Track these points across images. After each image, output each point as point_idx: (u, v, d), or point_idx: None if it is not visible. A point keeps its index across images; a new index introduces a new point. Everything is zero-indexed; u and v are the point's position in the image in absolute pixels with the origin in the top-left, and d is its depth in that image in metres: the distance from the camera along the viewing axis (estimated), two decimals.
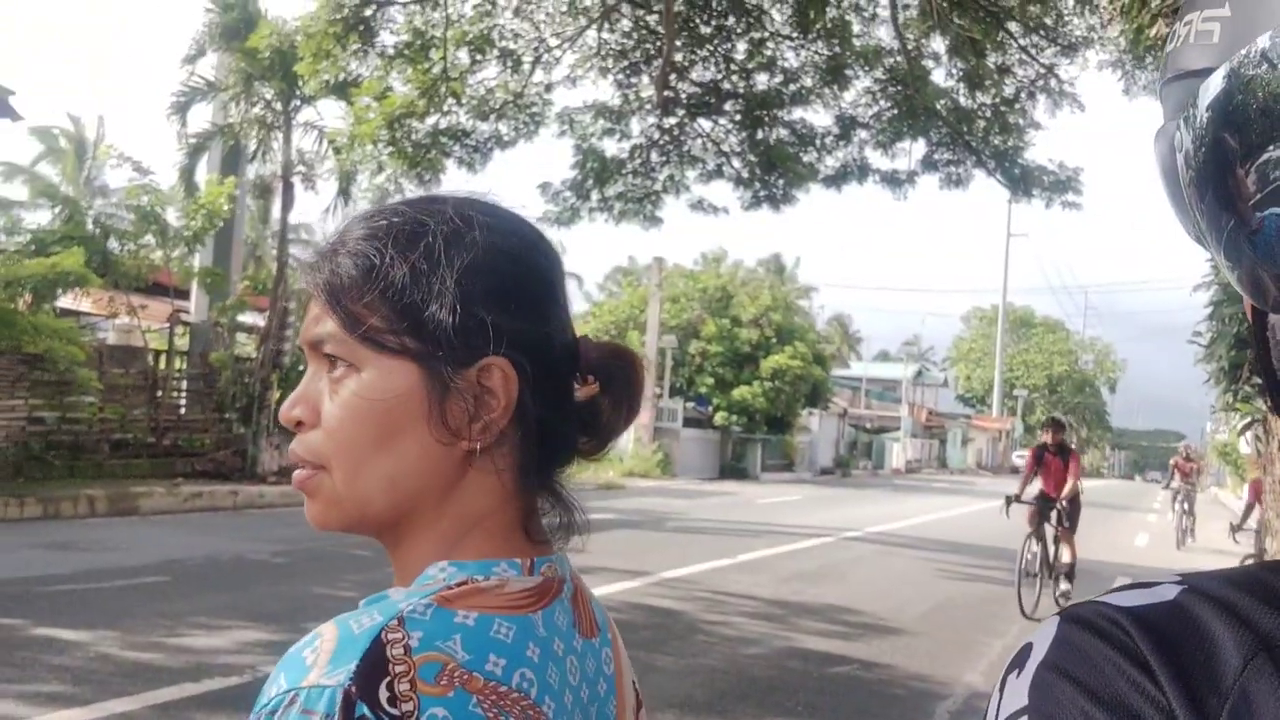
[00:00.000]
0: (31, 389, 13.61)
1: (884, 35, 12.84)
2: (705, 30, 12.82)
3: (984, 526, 19.51)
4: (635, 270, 40.59)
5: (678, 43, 12.44)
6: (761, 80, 13.24)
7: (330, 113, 32.30)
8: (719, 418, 31.31)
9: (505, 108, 12.87)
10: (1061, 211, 13.92)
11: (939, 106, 12.88)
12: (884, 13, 12.40)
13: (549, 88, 13.11)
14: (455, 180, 13.29)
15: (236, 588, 8.17)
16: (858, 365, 63.66)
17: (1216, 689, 0.46)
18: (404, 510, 0.77)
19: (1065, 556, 10.05)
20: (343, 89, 12.98)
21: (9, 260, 14.40)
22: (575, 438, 0.82)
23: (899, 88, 12.82)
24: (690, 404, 31.23)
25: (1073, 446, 10.49)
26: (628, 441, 27.91)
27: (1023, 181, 13.30)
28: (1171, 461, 19.97)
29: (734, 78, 13.24)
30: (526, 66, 12.73)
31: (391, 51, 12.25)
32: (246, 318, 18.03)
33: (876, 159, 13.84)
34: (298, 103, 16.52)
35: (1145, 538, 19.55)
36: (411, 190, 12.88)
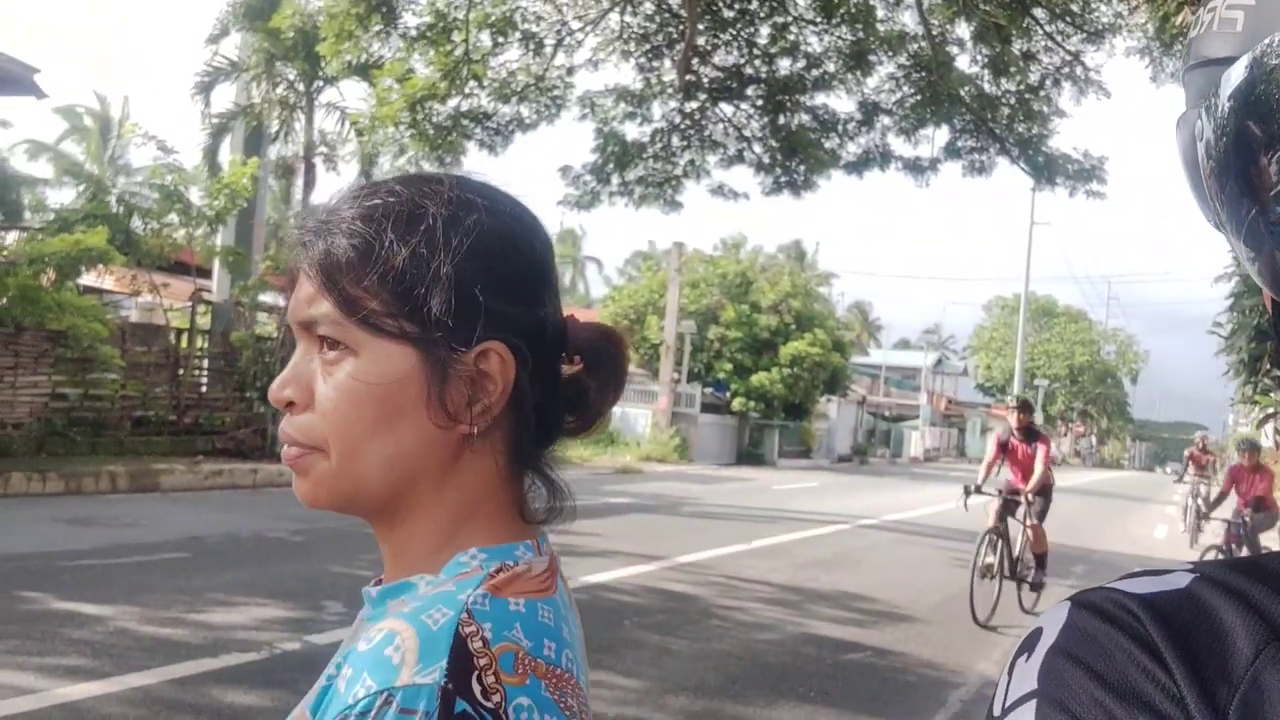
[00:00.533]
0: (55, 365, 13.73)
1: (908, 20, 12.75)
2: (728, 14, 12.74)
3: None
4: (655, 255, 40.58)
5: (700, 26, 12.38)
6: (784, 65, 13.16)
7: (352, 94, 32.31)
8: (737, 403, 31.27)
9: (527, 90, 12.85)
10: (1085, 201, 13.81)
11: (963, 93, 12.78)
12: None
13: (570, 71, 13.09)
14: (476, 163, 13.30)
15: (255, 565, 8.24)
16: (877, 353, 63.47)
17: (1228, 678, 0.46)
18: (399, 492, 0.77)
19: (1037, 547, 9.31)
20: (365, 70, 13.01)
21: (33, 238, 14.51)
22: (563, 418, 0.82)
23: (923, 74, 12.72)
24: (708, 389, 31.21)
25: (1041, 430, 9.49)
26: (645, 426, 27.93)
27: (1046, 170, 13.20)
28: (1187, 453, 18.71)
29: (756, 62, 13.17)
30: (548, 49, 12.71)
31: (414, 33, 12.25)
32: (268, 298, 18.12)
33: (899, 145, 13.75)
34: (320, 83, 16.57)
35: (1164, 530, 19.43)
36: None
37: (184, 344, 17.20)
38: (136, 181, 25.42)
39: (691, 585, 9.12)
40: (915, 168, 13.70)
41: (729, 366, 31.40)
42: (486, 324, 0.75)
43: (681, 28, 12.46)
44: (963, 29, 12.46)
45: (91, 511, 10.32)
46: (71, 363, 13.89)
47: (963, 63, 12.83)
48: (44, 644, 5.49)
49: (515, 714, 0.67)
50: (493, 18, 12.14)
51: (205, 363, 17.27)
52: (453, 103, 12.63)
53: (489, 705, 0.66)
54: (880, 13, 12.57)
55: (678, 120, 13.74)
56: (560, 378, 0.81)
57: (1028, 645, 0.52)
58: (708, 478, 23.21)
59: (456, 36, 12.04)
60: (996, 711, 0.50)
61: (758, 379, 31.05)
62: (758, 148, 13.91)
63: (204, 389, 17.02)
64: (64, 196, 20.90)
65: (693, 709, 5.53)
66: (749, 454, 31.20)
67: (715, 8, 12.64)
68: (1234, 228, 0.48)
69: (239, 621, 6.32)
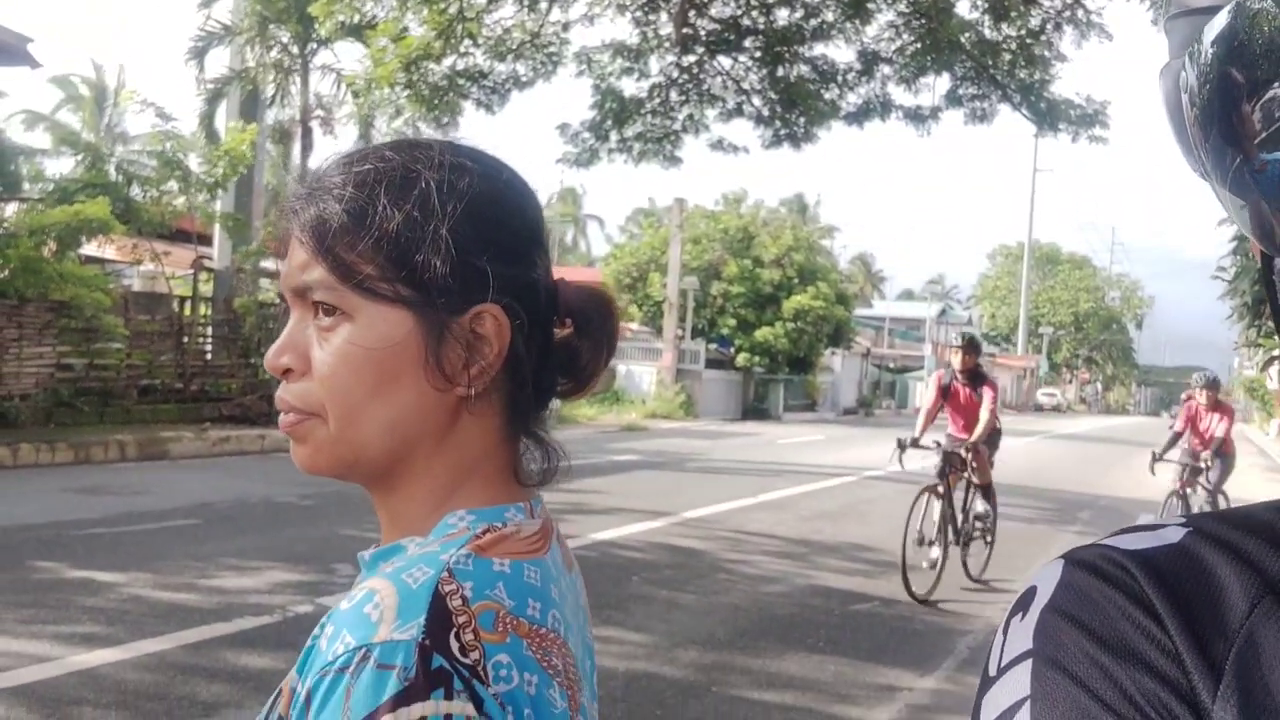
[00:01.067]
0: (59, 336, 13.74)
1: None
2: None
3: (1006, 465, 19.49)
4: (656, 212, 40.44)
5: None
6: (782, 15, 13.01)
7: (347, 56, 32.02)
8: (741, 359, 31.27)
9: (522, 48, 12.72)
10: (1088, 146, 13.70)
11: (963, 40, 12.63)
12: None
13: (566, 26, 12.94)
14: (473, 122, 13.20)
15: (266, 530, 8.31)
16: (881, 305, 63.34)
17: (1223, 633, 0.46)
18: (399, 456, 0.78)
19: (980, 507, 8.39)
20: (358, 31, 12.89)
21: (34, 208, 14.47)
22: (555, 380, 0.83)
23: (922, 21, 12.57)
24: (712, 345, 31.19)
25: (988, 373, 8.44)
26: (650, 383, 27.96)
27: (1049, 115, 13.07)
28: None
29: (754, 13, 13.02)
30: (543, 5, 12.56)
31: None
32: (269, 263, 18.09)
33: (899, 95, 13.62)
34: (314, 46, 16.43)
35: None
36: (430, 133, 12.82)
37: (187, 312, 17.21)
38: (134, 150, 25.31)
39: (699, 540, 9.18)
40: (916, 117, 13.58)
41: (732, 322, 31.35)
42: (481, 287, 0.76)
43: None
44: None
45: (101, 480, 10.38)
46: (76, 333, 13.90)
47: (963, 8, 12.68)
48: (59, 612, 5.55)
49: (494, 670, 0.68)
50: None
51: (209, 330, 17.29)
52: (448, 62, 12.51)
53: (466, 661, 0.67)
54: None
55: (675, 74, 13.62)
56: (553, 341, 0.82)
57: (1022, 604, 0.51)
58: (713, 433, 23.27)
59: None
60: (992, 671, 0.50)
61: (761, 334, 31.02)
62: (757, 100, 13.79)
63: (209, 356, 17.04)
64: (62, 166, 20.83)
65: (702, 662, 5.58)
66: (754, 409, 31.24)
67: None
68: (1219, 177, 0.48)
69: (251, 586, 6.38)
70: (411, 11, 12.20)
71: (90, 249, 15.61)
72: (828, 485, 13.79)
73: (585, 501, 10.12)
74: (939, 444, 7.78)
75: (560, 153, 13.92)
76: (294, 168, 21.96)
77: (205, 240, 17.71)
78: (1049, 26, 12.59)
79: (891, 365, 49.85)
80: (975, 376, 8.12)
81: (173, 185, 16.03)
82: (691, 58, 13.45)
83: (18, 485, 9.77)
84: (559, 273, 0.83)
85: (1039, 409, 61.95)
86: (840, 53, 13.69)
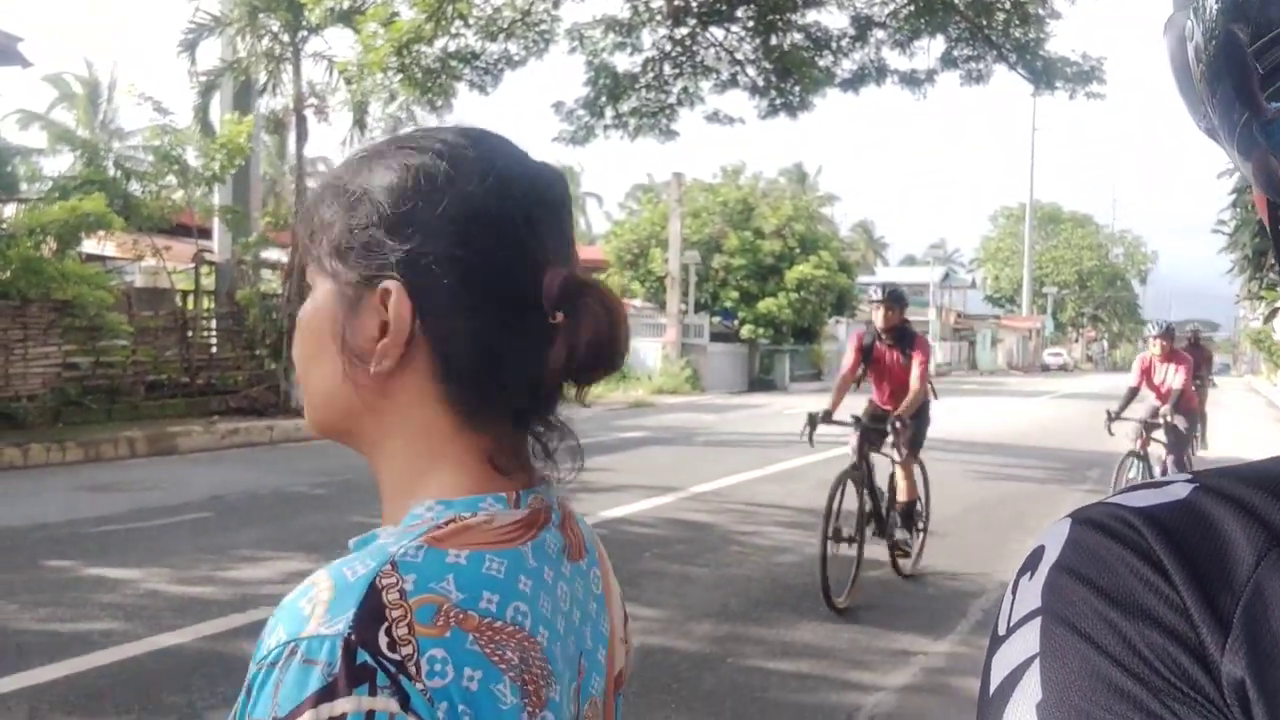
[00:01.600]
0: (64, 335, 13.77)
1: None
2: None
3: (1014, 426, 19.51)
4: (654, 187, 40.27)
5: None
6: None
7: (339, 42, 31.85)
8: (745, 331, 31.24)
9: (513, 26, 12.65)
10: (1086, 103, 13.62)
11: (956, 1, 12.55)
12: None
13: (557, 3, 12.86)
14: (467, 104, 13.15)
15: (278, 520, 8.34)
16: (884, 271, 63.14)
17: (1230, 586, 0.46)
18: (343, 428, 0.81)
19: (903, 494, 6.94)
20: (348, 17, 12.81)
21: (34, 207, 14.47)
22: (551, 370, 0.78)
23: None
24: (716, 319, 31.17)
25: (917, 331, 7.09)
26: (655, 359, 27.96)
27: (1045, 74, 12.99)
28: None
29: None
30: None
31: None
32: (270, 254, 18.07)
33: (894, 59, 13.56)
34: (305, 33, 16.31)
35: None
36: (424, 117, 12.78)
37: (190, 306, 17.21)
38: (131, 145, 25.25)
39: (709, 514, 9.20)
40: (912, 81, 13.51)
41: (735, 295, 31.31)
42: (384, 262, 0.76)
43: None
44: None
45: (112, 477, 10.42)
46: (80, 331, 13.92)
47: None
48: (76, 610, 5.59)
49: (428, 666, 0.67)
50: None
51: (213, 323, 17.30)
52: (440, 44, 12.45)
53: (394, 657, 0.66)
54: None
55: (668, 47, 13.55)
56: (533, 327, 0.77)
57: (1030, 564, 0.52)
58: (720, 407, 23.29)
59: None
60: (1001, 631, 0.50)
61: (765, 305, 30.98)
62: (751, 71, 13.72)
63: (214, 349, 17.07)
64: (59, 165, 20.78)
65: (716, 634, 5.61)
66: (760, 380, 31.25)
67: None
68: (1226, 131, 0.47)
69: (266, 576, 6.41)
70: None
71: (91, 246, 15.62)
72: (837, 454, 13.77)
73: (594, 479, 10.14)
74: (857, 418, 6.52)
75: (556, 131, 13.89)
76: (290, 157, 21.90)
77: (205, 234, 17.69)
78: None
79: None
80: (902, 336, 6.78)
81: (171, 179, 16.01)
82: (684, 30, 13.37)
83: (30, 485, 9.82)
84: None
85: (1046, 369, 61.92)
86: (833, 19, 13.60)
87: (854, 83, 13.65)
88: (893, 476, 7.00)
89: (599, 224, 48.81)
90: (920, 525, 7.14)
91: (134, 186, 15.73)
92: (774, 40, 13.30)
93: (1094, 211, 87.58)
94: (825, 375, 35.63)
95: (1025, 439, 16.86)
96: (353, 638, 0.66)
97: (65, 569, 6.50)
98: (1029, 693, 0.46)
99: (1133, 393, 8.67)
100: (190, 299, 17.23)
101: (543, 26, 12.88)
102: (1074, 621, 0.47)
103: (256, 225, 17.74)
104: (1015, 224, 71.41)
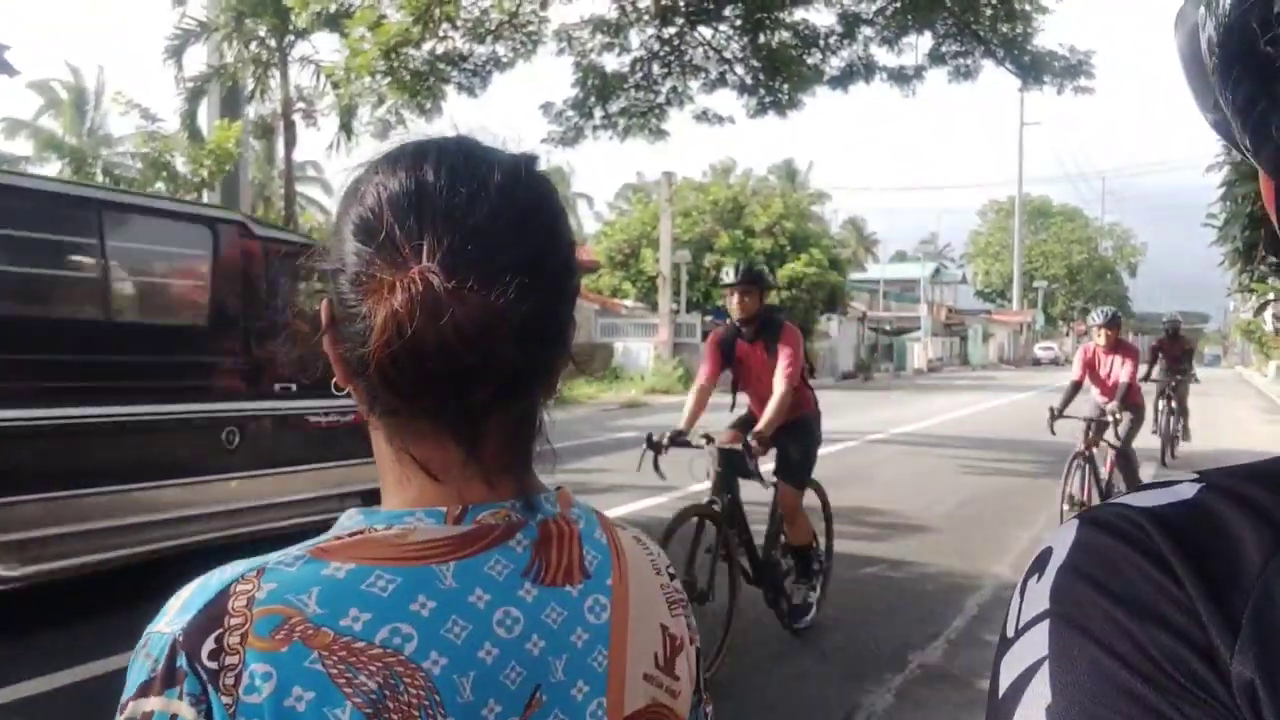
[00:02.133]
0: None
1: None
2: None
3: (1007, 421, 19.54)
4: (645, 187, 40.30)
5: None
6: None
7: (326, 46, 31.78)
8: None
9: (501, 28, 12.65)
10: (1074, 97, 13.66)
11: None
12: None
13: (544, 4, 12.86)
14: (456, 106, 13.14)
15: None
16: (875, 267, 63.36)
17: (1239, 587, 0.45)
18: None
19: (794, 537, 5.47)
20: (335, 21, 12.79)
21: None
22: (502, 380, 0.73)
23: None
24: (708, 317, 31.18)
25: (785, 320, 5.54)
26: (648, 359, 27.97)
27: (1033, 69, 13.04)
28: (1154, 341, 13.74)
29: None
30: None
31: None
32: None
33: (882, 56, 13.59)
34: (292, 38, 16.31)
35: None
36: (413, 122, 12.77)
37: None
38: (119, 152, 25.17)
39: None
40: (900, 77, 13.54)
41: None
42: (323, 278, 0.79)
43: None
44: None
45: None
46: None
47: None
48: (42, 626, 5.55)
49: (248, 679, 0.66)
50: None
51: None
52: (428, 47, 12.44)
53: (210, 665, 0.66)
54: None
55: (656, 47, 13.56)
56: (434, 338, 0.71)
57: (1039, 565, 0.51)
58: (713, 405, 23.08)
59: None
60: (1010, 633, 0.50)
61: None
62: (740, 69, 13.73)
63: None
64: (47, 173, 20.71)
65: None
66: None
67: None
68: (1240, 122, 0.47)
69: None
70: None
71: None
72: (830, 450, 13.79)
73: (589, 480, 10.14)
74: (708, 438, 5.24)
75: (545, 133, 13.88)
76: (278, 161, 21.86)
77: None
78: None
79: (888, 327, 49.88)
80: (765, 326, 5.34)
81: (160, 186, 15.98)
82: (672, 29, 13.38)
83: None
84: None
85: (1037, 363, 62.04)
86: (821, 17, 13.60)
87: (843, 80, 13.67)
88: (775, 511, 5.49)
89: (590, 225, 48.80)
90: (818, 570, 5.72)
91: None
92: (762, 38, 13.32)
93: (1083, 204, 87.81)
94: (818, 372, 35.66)
95: (1018, 433, 16.90)
96: (180, 639, 0.67)
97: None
98: (1039, 695, 0.46)
99: (1075, 387, 7.99)
100: None
101: (530, 28, 12.88)
102: (1083, 623, 0.47)
103: None
104: (1005, 218, 71.63)
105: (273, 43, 16.46)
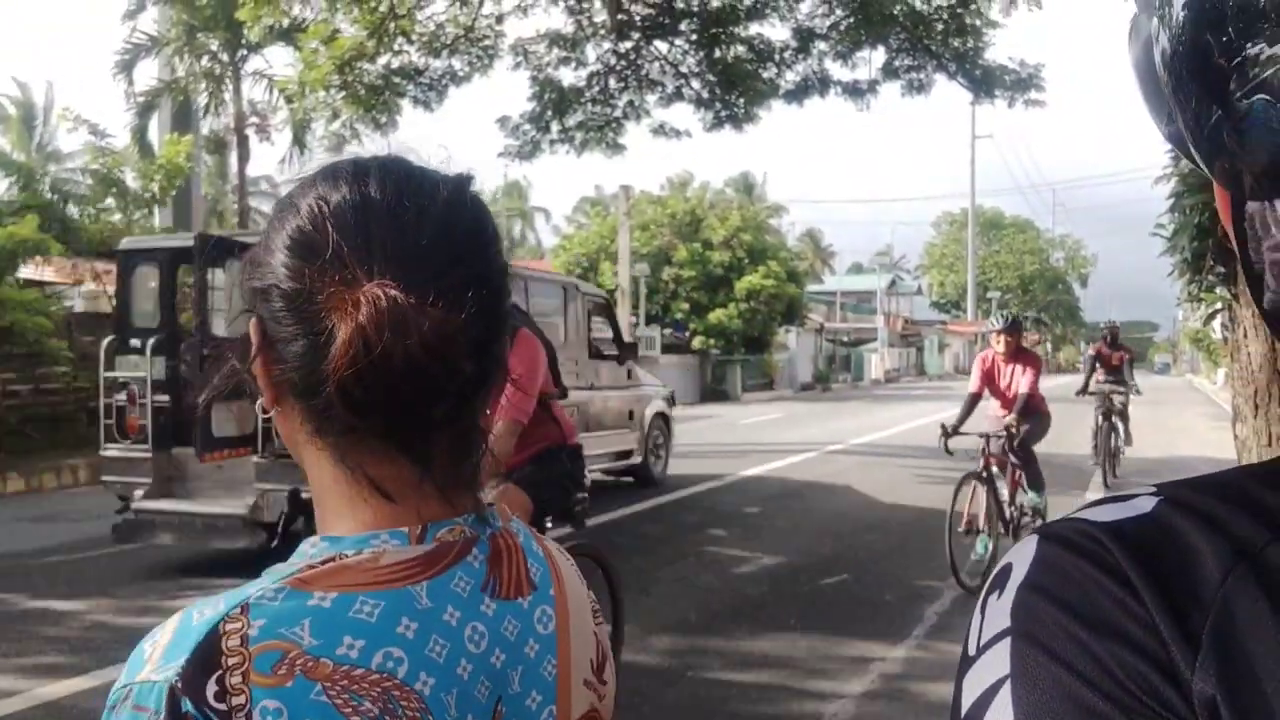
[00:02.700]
0: (3, 363, 13.45)
1: None
2: None
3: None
4: (602, 200, 40.34)
5: None
6: None
7: (279, 60, 31.54)
8: (697, 342, 31.34)
9: (457, 43, 12.62)
10: (1025, 110, 13.85)
11: (896, 12, 12.71)
12: None
13: (500, 19, 12.85)
14: (412, 121, 13.08)
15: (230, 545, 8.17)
16: (831, 279, 63.77)
17: (1198, 602, 0.45)
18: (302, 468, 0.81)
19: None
20: (289, 34, 12.70)
21: None
22: (459, 393, 0.74)
23: None
24: (667, 330, 31.24)
25: (521, 323, 4.09)
26: None
27: (984, 83, 13.20)
28: (1092, 349, 12.97)
29: None
30: None
31: None
32: None
33: (837, 70, 13.69)
34: (244, 52, 16.18)
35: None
36: (368, 136, 12.69)
37: None
38: (69, 168, 24.78)
39: (667, 526, 9.19)
40: (854, 91, 13.66)
41: (686, 306, 31.41)
42: (250, 299, 0.78)
43: None
44: None
45: (55, 508, 10.19)
46: (19, 358, 13.60)
47: None
48: (20, 644, 5.45)
49: (260, 717, 0.65)
50: None
51: None
52: (383, 61, 12.37)
53: (219, 707, 0.65)
54: None
55: (613, 61, 13.58)
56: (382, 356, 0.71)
57: (998, 583, 0.51)
58: (674, 418, 23.27)
59: None
60: (971, 651, 0.50)
61: (715, 316, 31.11)
62: (696, 84, 13.79)
63: None
64: None
65: (677, 647, 5.60)
66: (713, 391, 31.33)
67: None
68: (1193, 134, 0.46)
69: None
70: (341, 12, 12.02)
71: (29, 272, 15.28)
72: (791, 462, 13.86)
73: None
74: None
75: (502, 146, 13.85)
76: (232, 177, 21.62)
77: None
78: None
79: (845, 339, 50.22)
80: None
81: (110, 202, 15.74)
82: (628, 44, 13.41)
83: None
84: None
85: None
86: (776, 31, 13.77)
87: (797, 94, 13.77)
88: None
89: (548, 238, 48.73)
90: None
91: (72, 210, 15.44)
92: (717, 53, 13.39)
93: (1034, 216, 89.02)
94: (777, 384, 35.87)
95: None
96: (179, 685, 0.65)
97: (8, 603, 6.33)
98: (1001, 714, 0.46)
99: (974, 399, 7.45)
100: None
101: (487, 42, 12.86)
102: (1044, 641, 0.47)
103: None
104: (958, 230, 72.38)
105: (225, 56, 16.32)
